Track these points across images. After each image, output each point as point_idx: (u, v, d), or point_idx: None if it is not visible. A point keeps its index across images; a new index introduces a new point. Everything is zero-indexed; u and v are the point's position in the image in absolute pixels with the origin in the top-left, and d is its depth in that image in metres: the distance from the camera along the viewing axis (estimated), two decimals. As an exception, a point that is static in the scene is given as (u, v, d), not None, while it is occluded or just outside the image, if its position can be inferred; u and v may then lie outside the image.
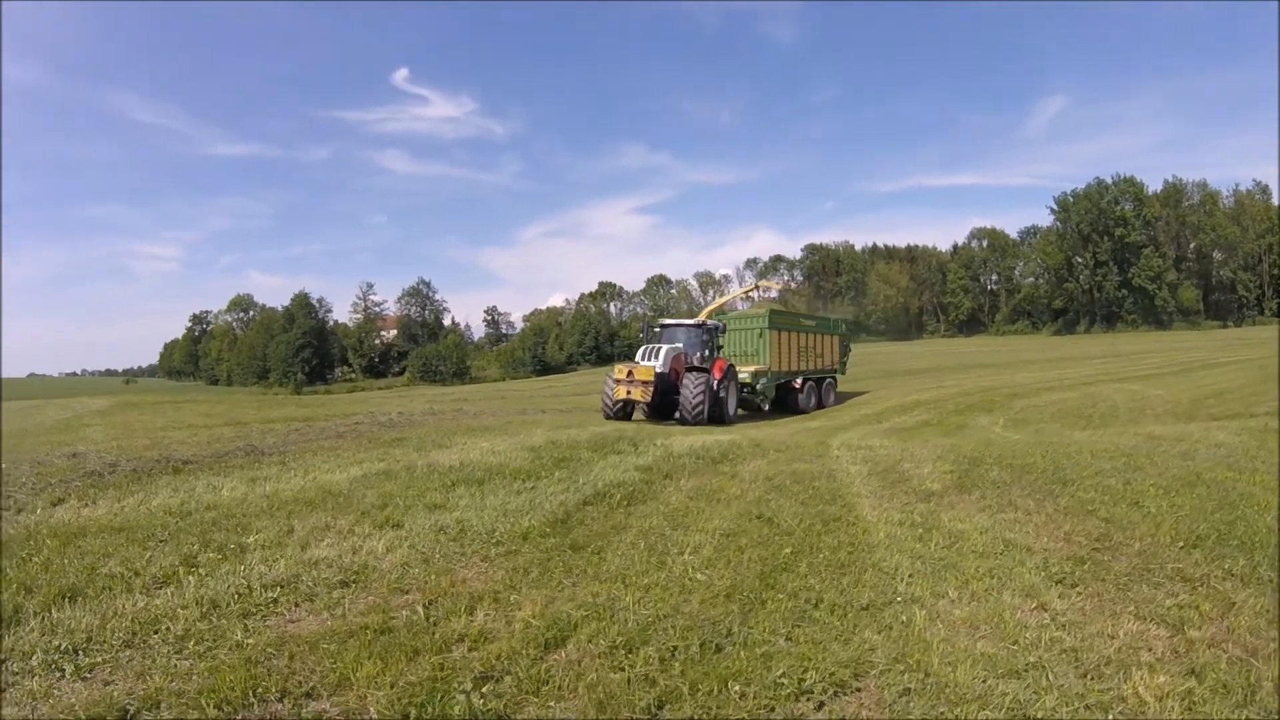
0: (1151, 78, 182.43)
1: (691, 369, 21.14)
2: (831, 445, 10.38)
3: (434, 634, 3.30)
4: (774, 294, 28.87)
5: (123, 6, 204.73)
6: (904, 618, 3.61)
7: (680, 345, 22.02)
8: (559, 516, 5.45)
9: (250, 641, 3.27)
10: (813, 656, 3.13)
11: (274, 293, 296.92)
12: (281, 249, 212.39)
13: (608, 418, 19.81)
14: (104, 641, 3.38)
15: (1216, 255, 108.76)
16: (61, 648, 3.32)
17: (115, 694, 2.85)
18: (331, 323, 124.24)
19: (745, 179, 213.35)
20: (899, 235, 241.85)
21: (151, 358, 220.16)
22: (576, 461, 8.41)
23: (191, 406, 25.04)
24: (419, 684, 2.81)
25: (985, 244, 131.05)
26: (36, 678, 3.04)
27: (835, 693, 2.92)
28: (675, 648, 3.16)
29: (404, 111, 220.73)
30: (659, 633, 3.31)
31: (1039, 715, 2.82)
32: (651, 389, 19.58)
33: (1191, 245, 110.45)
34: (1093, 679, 3.11)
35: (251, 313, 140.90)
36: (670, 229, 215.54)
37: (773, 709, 2.76)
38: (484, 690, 2.78)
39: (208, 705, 2.69)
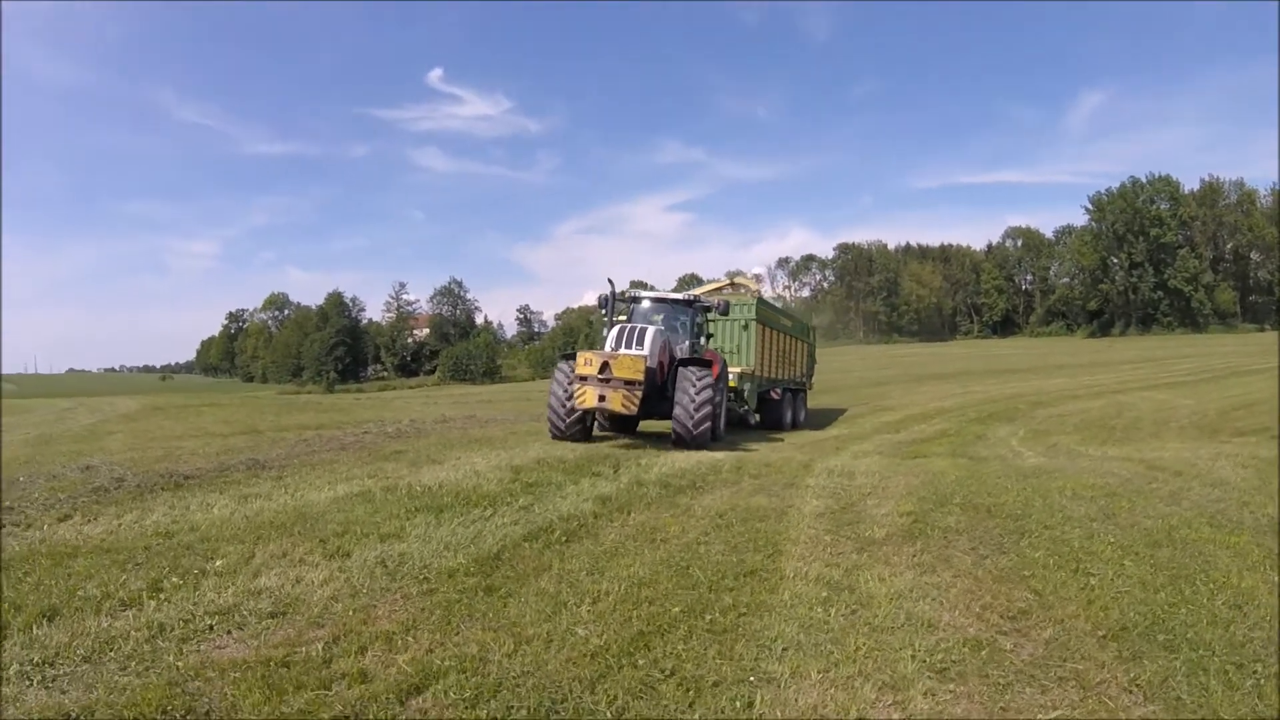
0: (1192, 74, 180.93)
1: (686, 362, 15.69)
2: (815, 469, 10.90)
3: (322, 671, 3.94)
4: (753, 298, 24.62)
5: (164, 7, 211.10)
6: (745, 699, 3.73)
7: (664, 329, 16.42)
8: (493, 553, 6.10)
9: (179, 664, 4.00)
10: None
11: (312, 288, 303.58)
12: (320, 245, 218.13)
13: (557, 436, 15.09)
14: (68, 657, 4.15)
15: (1254, 256, 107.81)
16: (34, 660, 4.10)
17: (65, 702, 3.60)
18: (365, 321, 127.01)
19: (781, 174, 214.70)
20: (934, 233, 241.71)
21: (189, 354, 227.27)
22: (546, 486, 9.13)
23: (214, 412, 26.30)
24: (289, 716, 3.48)
25: (1020, 243, 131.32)
26: (10, 685, 3.81)
27: None
28: (512, 708, 3.60)
29: (439, 110, 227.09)
30: (507, 691, 3.75)
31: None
32: (639, 392, 14.21)
33: (1228, 246, 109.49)
34: None
35: (286, 311, 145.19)
36: (705, 226, 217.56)
37: None
38: None
39: (127, 714, 3.44)
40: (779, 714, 3.60)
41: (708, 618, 4.77)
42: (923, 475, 10.14)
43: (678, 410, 14.70)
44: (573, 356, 15.36)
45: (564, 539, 6.68)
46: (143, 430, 19.53)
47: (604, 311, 17.65)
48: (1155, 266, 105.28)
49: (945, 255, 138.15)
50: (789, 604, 5.05)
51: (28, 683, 3.86)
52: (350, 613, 4.79)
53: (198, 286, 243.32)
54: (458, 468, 10.91)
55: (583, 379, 14.50)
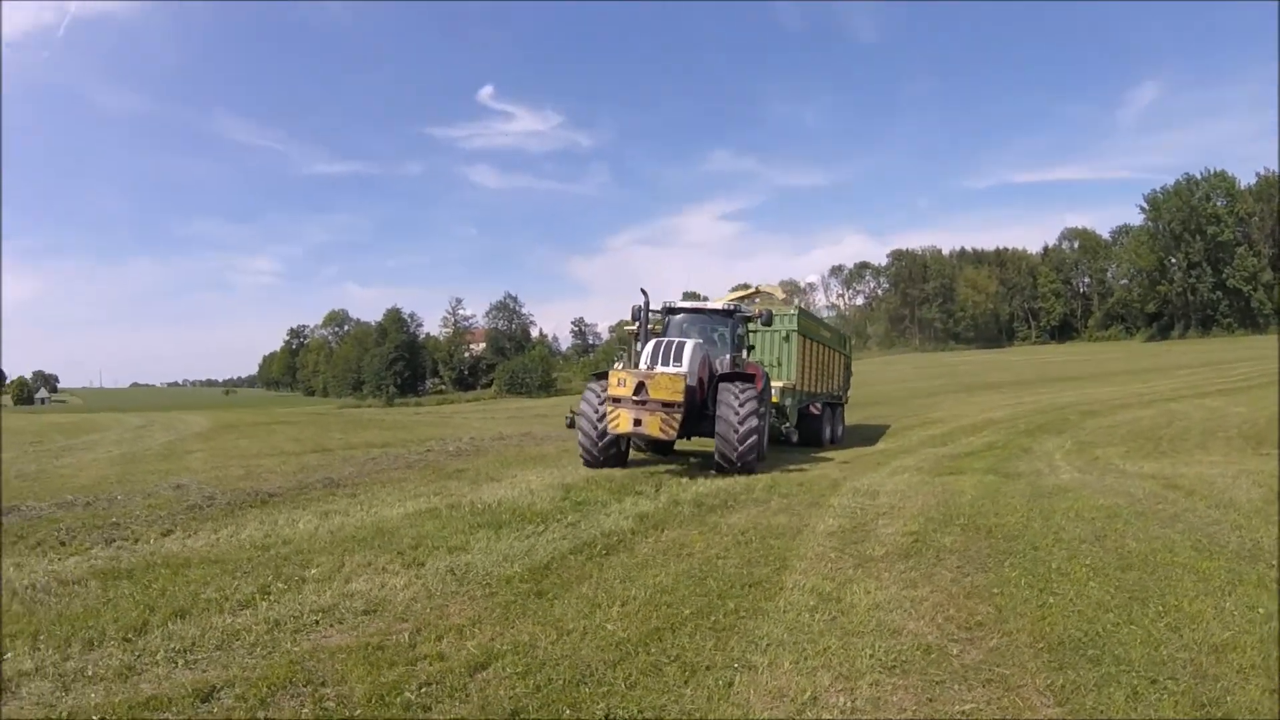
0: (1243, 62, 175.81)
1: (728, 377, 14.69)
2: (843, 488, 11.54)
3: (409, 653, 4.96)
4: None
5: (221, 34, 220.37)
6: (727, 680, 4.59)
7: (702, 343, 15.18)
8: (544, 563, 7.06)
9: (295, 649, 5.05)
10: (635, 700, 4.36)
11: (371, 304, 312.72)
12: (378, 261, 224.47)
13: (590, 463, 14.31)
14: (203, 646, 5.20)
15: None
16: (175, 649, 5.16)
17: (209, 678, 4.63)
18: (422, 336, 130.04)
19: (833, 180, 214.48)
20: (989, 236, 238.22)
21: (250, 368, 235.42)
22: (593, 504, 10.05)
23: (284, 430, 27.90)
24: (386, 683, 4.46)
25: (1076, 245, 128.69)
26: (160, 667, 4.86)
27: None
28: (551, 680, 4.58)
29: (490, 127, 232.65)
30: (549, 668, 4.73)
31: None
32: (678, 415, 13.16)
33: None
34: None
35: (346, 327, 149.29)
36: (759, 234, 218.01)
37: None
38: (421, 692, 4.40)
39: (262, 686, 4.45)
40: (751, 693, 4.48)
41: (712, 619, 5.66)
42: (941, 495, 10.67)
43: (720, 433, 13.63)
44: (605, 376, 14.47)
45: (604, 552, 7.62)
46: (219, 449, 21.04)
47: (636, 325, 16.58)
48: (1213, 266, 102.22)
49: (1001, 259, 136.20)
50: (782, 610, 5.88)
51: (174, 665, 4.89)
52: (428, 610, 5.81)
53: (259, 303, 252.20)
54: (514, 485, 11.93)
55: (615, 401, 13.39)
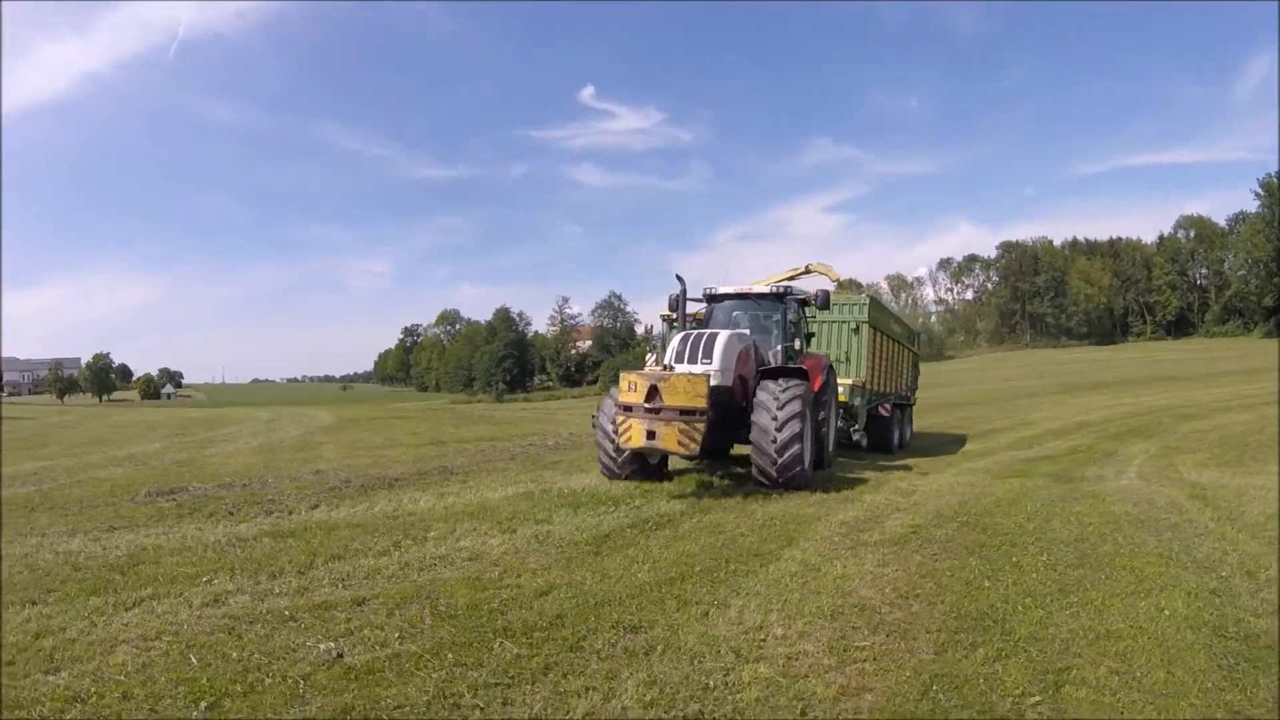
0: None
1: (771, 373, 13.02)
2: (885, 487, 12.84)
3: (498, 584, 7.06)
4: (832, 286, 22.09)
5: (327, 45, 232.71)
6: (705, 613, 6.20)
7: (748, 333, 13.73)
8: (605, 534, 9.08)
9: (419, 579, 7.24)
10: (640, 615, 6.15)
11: (482, 303, 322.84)
12: (486, 262, 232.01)
13: (612, 476, 12.80)
14: (354, 577, 7.40)
15: None
16: (336, 578, 7.35)
17: (359, 594, 6.80)
18: (530, 334, 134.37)
19: (939, 168, 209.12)
20: (1103, 225, 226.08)
21: (365, 364, 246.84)
22: (659, 493, 11.83)
23: (402, 424, 31.00)
24: (479, 599, 6.56)
25: (1192, 234, 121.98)
26: (326, 588, 7.06)
27: (628, 632, 5.82)
28: (588, 602, 6.50)
29: (592, 127, 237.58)
30: (588, 596, 6.67)
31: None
32: (699, 425, 11.05)
33: None
34: (746, 666, 5.16)
35: (458, 326, 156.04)
36: (866, 225, 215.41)
37: (595, 630, 5.89)
38: (500, 604, 6.46)
39: (398, 598, 6.62)
40: (719, 620, 6.18)
41: (715, 575, 7.44)
42: (969, 495, 11.78)
43: (755, 441, 11.93)
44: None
45: (654, 527, 9.58)
46: (346, 441, 24.00)
47: (674, 318, 14.83)
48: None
49: (1114, 250, 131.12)
50: (769, 573, 7.50)
51: (336, 587, 7.06)
52: (513, 560, 7.91)
53: (373, 303, 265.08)
54: (598, 476, 13.89)
55: (626, 409, 11.47)
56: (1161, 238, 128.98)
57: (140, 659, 5.32)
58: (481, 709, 4.56)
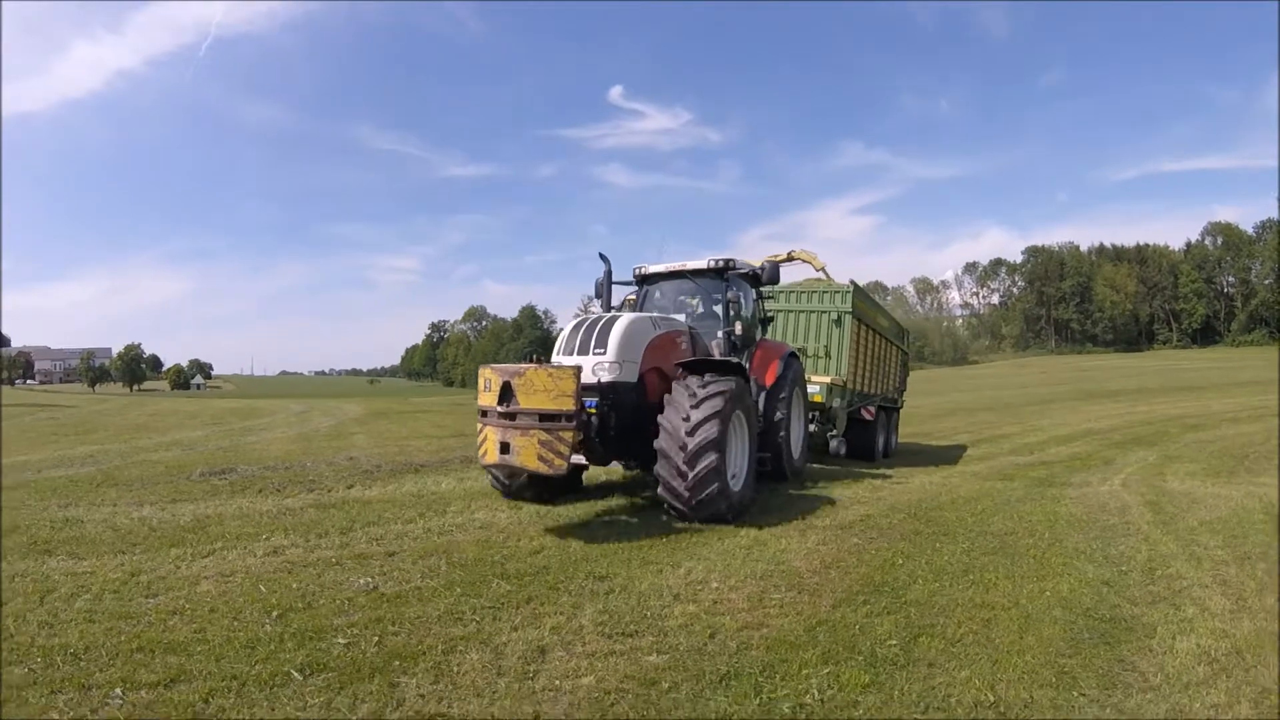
0: None
1: (693, 366, 10.49)
2: (862, 481, 13.99)
3: (503, 544, 8.79)
4: (816, 275, 20.09)
5: (354, 45, 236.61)
6: (660, 569, 7.49)
7: (681, 318, 12.07)
8: (598, 513, 10.81)
9: (439, 540, 9.00)
10: (608, 567, 7.76)
11: (508, 300, 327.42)
12: (513, 259, 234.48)
13: (507, 495, 11.02)
14: (387, 535, 9.17)
15: None
16: (371, 538, 9.09)
17: (391, 549, 8.55)
18: (555, 332, 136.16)
19: (970, 172, 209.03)
20: (1133, 231, 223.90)
21: (392, 359, 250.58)
22: (650, 483, 13.53)
23: (428, 417, 32.75)
24: (484, 554, 8.30)
25: (1220, 241, 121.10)
26: (363, 545, 8.79)
27: (596, 579, 7.49)
28: (572, 559, 8.24)
29: (621, 126, 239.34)
30: (573, 554, 8.40)
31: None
32: (567, 435, 8.64)
33: None
34: (679, 605, 6.65)
35: (484, 322, 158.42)
36: (894, 228, 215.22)
37: (570, 576, 7.53)
38: (502, 556, 8.24)
39: (421, 551, 8.39)
40: (671, 575, 7.55)
41: (677, 545, 8.83)
42: (933, 491, 12.92)
43: (660, 448, 9.49)
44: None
45: (643, 509, 11.21)
46: (376, 432, 25.82)
47: (598, 302, 12.95)
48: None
49: (1141, 256, 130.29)
50: (723, 545, 8.79)
51: (372, 544, 8.79)
52: (517, 529, 9.64)
53: (401, 298, 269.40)
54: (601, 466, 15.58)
55: (482, 414, 9.23)
56: (1189, 244, 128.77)
57: (220, 588, 7.10)
58: (477, 623, 6.25)
